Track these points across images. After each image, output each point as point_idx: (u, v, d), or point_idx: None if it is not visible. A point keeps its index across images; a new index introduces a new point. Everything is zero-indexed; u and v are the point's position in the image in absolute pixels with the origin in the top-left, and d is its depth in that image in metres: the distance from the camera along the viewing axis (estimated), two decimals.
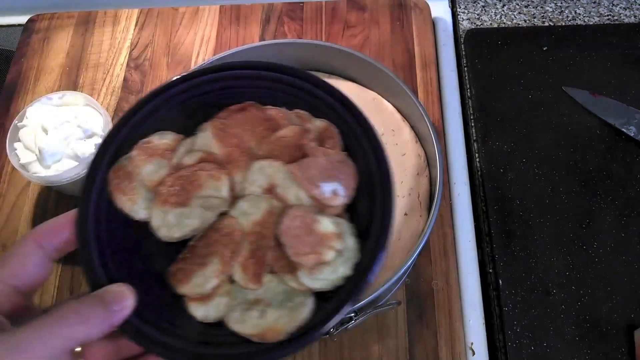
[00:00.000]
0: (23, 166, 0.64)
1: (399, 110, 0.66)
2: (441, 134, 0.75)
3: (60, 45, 0.85)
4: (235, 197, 0.39)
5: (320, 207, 0.39)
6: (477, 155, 0.75)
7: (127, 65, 0.83)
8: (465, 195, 0.71)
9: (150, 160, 0.40)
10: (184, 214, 0.38)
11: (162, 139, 0.41)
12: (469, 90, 0.80)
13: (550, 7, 0.87)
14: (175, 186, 0.38)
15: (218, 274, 0.36)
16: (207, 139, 0.40)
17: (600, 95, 0.76)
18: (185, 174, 0.39)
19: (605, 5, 0.86)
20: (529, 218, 0.69)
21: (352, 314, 0.52)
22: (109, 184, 0.39)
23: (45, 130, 0.64)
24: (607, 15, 0.85)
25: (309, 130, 0.41)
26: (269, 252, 0.37)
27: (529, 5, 0.87)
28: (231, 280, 0.38)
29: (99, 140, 0.64)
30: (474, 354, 0.62)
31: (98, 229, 0.37)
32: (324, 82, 0.42)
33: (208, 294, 0.37)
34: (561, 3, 0.87)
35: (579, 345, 0.61)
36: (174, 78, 0.42)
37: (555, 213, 0.69)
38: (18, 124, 0.65)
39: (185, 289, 0.37)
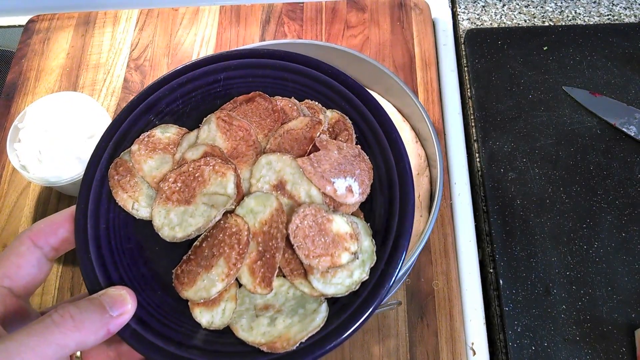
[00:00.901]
0: (23, 167, 0.64)
1: (399, 111, 0.66)
2: (441, 134, 0.75)
3: (61, 46, 0.85)
4: (241, 194, 0.37)
5: (334, 205, 0.36)
6: (477, 155, 0.75)
7: (128, 65, 0.83)
8: (465, 195, 0.71)
9: (152, 155, 0.38)
10: (188, 213, 0.36)
11: (165, 133, 0.39)
12: (469, 90, 0.80)
13: (551, 7, 0.87)
14: (177, 182, 0.37)
15: (224, 277, 0.34)
16: (211, 131, 0.38)
17: (601, 94, 0.76)
18: (188, 170, 0.37)
19: (606, 5, 0.86)
20: (530, 218, 0.69)
21: None
22: (109, 180, 0.38)
23: (45, 131, 0.64)
24: (607, 15, 0.85)
25: (320, 122, 0.38)
26: (279, 254, 0.35)
27: (529, 5, 0.87)
28: (238, 284, 0.35)
29: None
30: (474, 353, 0.62)
31: (97, 228, 0.36)
32: (337, 70, 0.40)
33: (213, 299, 0.35)
34: (561, 3, 0.87)
35: (580, 345, 0.61)
36: (175, 69, 0.41)
37: (556, 212, 0.69)
38: (18, 125, 0.65)
39: (189, 293, 0.35)
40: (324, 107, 0.40)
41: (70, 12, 0.89)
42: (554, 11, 0.86)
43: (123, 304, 0.32)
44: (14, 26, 0.92)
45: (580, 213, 0.69)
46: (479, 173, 0.73)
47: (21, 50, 0.85)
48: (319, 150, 0.37)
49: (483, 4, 0.88)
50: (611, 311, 0.63)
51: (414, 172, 0.62)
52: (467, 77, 0.81)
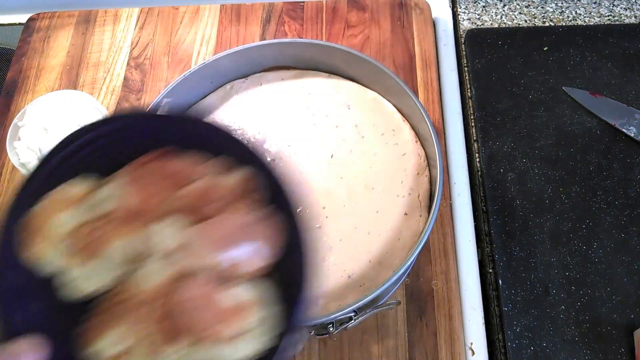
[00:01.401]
0: (23, 165, 0.64)
1: (399, 110, 0.66)
2: (441, 133, 0.75)
3: (61, 44, 0.85)
4: (140, 257, 0.36)
5: (234, 271, 0.35)
6: (477, 155, 0.75)
7: (128, 64, 0.83)
8: (465, 195, 0.71)
9: (62, 210, 0.38)
10: (91, 271, 0.36)
11: (71, 190, 0.39)
12: (469, 90, 0.80)
13: (551, 7, 0.87)
14: (81, 241, 0.37)
15: (123, 338, 0.33)
16: (119, 186, 0.38)
17: (600, 95, 0.76)
18: (91, 230, 0.37)
19: (606, 5, 0.86)
20: (529, 218, 0.69)
21: (352, 314, 0.52)
22: (17, 235, 0.37)
23: (45, 129, 0.64)
24: (608, 16, 0.85)
25: (221, 184, 0.37)
26: (179, 318, 0.33)
27: (529, 5, 0.87)
28: (139, 345, 0.34)
29: None
30: (473, 353, 0.62)
31: (1, 283, 0.36)
32: (235, 137, 0.40)
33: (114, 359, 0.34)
34: (562, 3, 0.87)
35: (579, 346, 0.61)
36: (89, 123, 0.40)
37: (555, 213, 0.69)
38: (18, 123, 0.65)
39: (90, 351, 0.34)
40: (231, 168, 0.39)
41: (70, 10, 0.89)
42: (554, 11, 0.86)
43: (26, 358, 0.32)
44: (15, 24, 0.92)
45: (579, 213, 0.69)
46: (479, 173, 0.73)
47: (21, 48, 0.85)
48: (220, 214, 0.36)
49: (484, 4, 0.88)
50: (610, 312, 0.63)
51: (414, 172, 0.62)
52: (467, 77, 0.81)
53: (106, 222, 0.36)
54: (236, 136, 0.40)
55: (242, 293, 0.34)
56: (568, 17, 0.86)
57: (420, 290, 0.64)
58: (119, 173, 0.39)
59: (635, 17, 0.85)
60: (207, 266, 0.34)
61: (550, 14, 0.86)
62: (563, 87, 0.77)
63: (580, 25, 0.84)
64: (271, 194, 0.38)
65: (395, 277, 0.52)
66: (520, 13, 0.87)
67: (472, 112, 0.78)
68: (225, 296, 0.34)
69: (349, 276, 0.57)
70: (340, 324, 0.53)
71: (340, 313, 0.51)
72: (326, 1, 0.86)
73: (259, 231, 0.36)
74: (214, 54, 0.78)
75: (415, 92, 0.76)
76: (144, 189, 0.37)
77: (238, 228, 0.35)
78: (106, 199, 0.38)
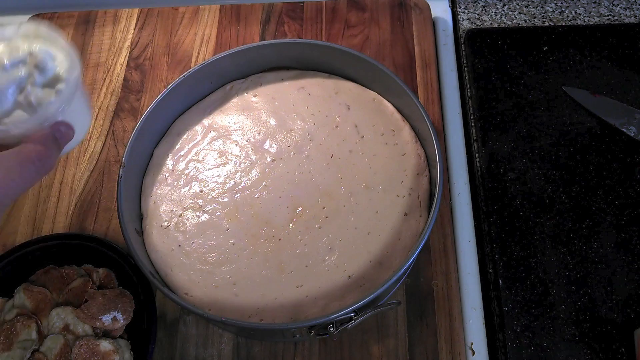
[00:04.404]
0: None
1: (399, 110, 0.66)
2: (441, 133, 0.75)
3: None
4: (42, 337, 0.57)
5: (106, 332, 0.58)
6: (477, 155, 0.75)
7: (128, 65, 0.83)
8: (465, 195, 0.71)
9: None
10: (9, 356, 0.55)
11: None
12: (469, 90, 0.80)
13: (551, 7, 0.87)
14: (1, 336, 0.56)
15: None
16: (21, 298, 0.59)
17: (600, 95, 0.76)
18: (7, 327, 0.56)
19: (606, 5, 0.86)
20: (529, 218, 0.69)
21: (352, 314, 0.52)
22: None
23: None
24: (608, 16, 0.85)
25: (89, 280, 0.60)
26: None
27: (529, 5, 0.87)
28: None
29: (62, 86, 0.46)
30: (473, 353, 0.62)
31: None
32: (108, 241, 0.63)
33: None
34: (561, 3, 0.87)
35: (579, 345, 0.61)
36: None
37: (555, 212, 0.69)
38: None
39: None
40: (96, 268, 0.62)
41: (70, 11, 0.89)
42: (554, 11, 0.86)
43: None
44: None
45: (579, 213, 0.69)
46: (479, 173, 0.73)
47: None
48: (90, 299, 0.58)
49: (483, 4, 0.88)
50: (610, 311, 0.63)
51: (414, 172, 0.62)
52: (467, 77, 0.81)
53: (14, 322, 0.56)
54: (92, 245, 0.63)
55: (108, 345, 0.56)
56: (568, 16, 0.86)
57: (420, 290, 0.64)
58: (19, 288, 0.60)
59: (635, 16, 0.85)
60: (88, 331, 0.57)
61: (549, 14, 0.86)
62: (563, 87, 0.77)
63: (579, 25, 0.84)
64: (124, 278, 0.62)
65: (395, 278, 0.52)
66: (519, 13, 0.87)
67: (472, 112, 0.78)
68: (100, 347, 0.56)
69: (349, 276, 0.57)
70: (341, 324, 0.53)
71: (340, 313, 0.51)
72: (326, 1, 0.86)
73: (119, 302, 0.59)
74: (214, 55, 0.78)
75: (415, 92, 0.76)
76: (39, 294, 0.59)
77: (103, 304, 0.58)
78: (13, 307, 0.58)
